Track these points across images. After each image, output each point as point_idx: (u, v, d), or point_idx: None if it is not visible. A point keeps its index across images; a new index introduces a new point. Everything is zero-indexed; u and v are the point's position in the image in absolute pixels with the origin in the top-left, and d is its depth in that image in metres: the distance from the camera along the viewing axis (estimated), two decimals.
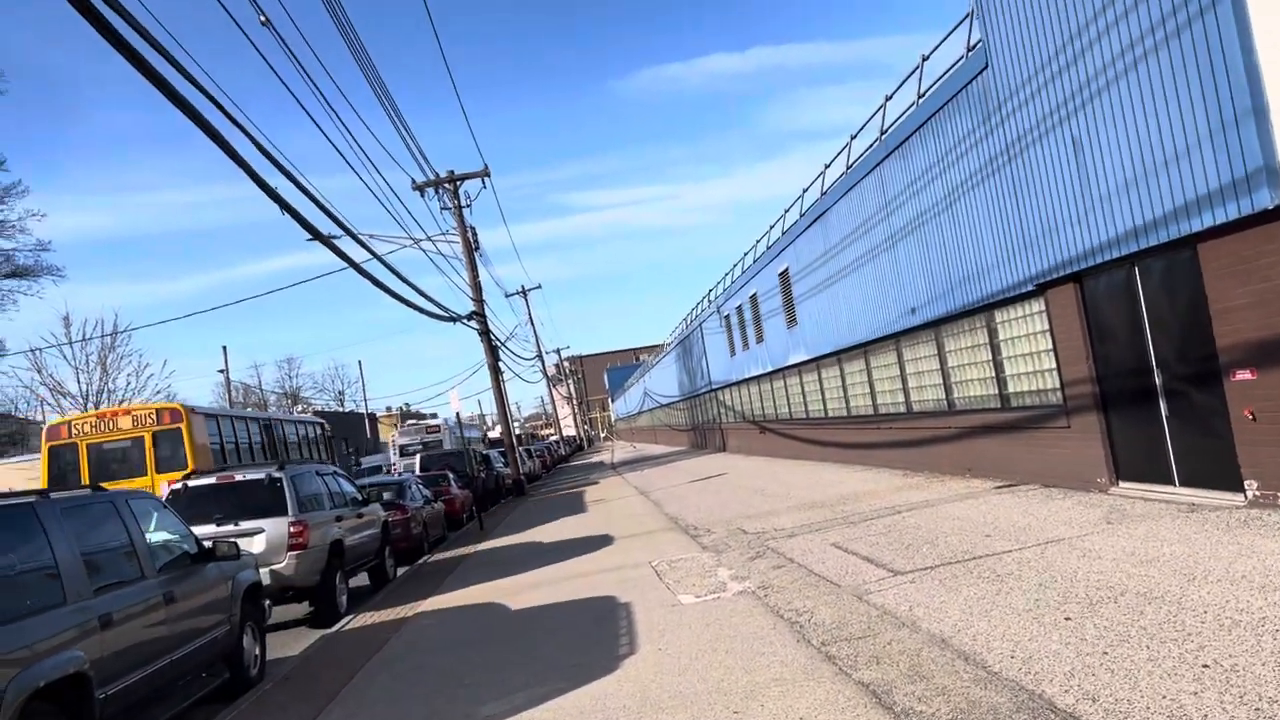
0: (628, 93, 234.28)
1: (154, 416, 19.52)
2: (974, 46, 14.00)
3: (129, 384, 37.57)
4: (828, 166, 22.32)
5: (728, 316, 35.47)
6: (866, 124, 19.26)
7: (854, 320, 20.65)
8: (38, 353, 38.27)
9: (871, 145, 18.63)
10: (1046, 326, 12.82)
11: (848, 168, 20.21)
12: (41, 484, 18.30)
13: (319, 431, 28.57)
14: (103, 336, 36.45)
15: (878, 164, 17.74)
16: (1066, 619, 6.62)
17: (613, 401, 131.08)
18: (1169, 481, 10.75)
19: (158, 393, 41.36)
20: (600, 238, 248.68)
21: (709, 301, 40.22)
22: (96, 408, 38.19)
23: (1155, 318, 10.48)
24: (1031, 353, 13.46)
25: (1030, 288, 12.85)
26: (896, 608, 7.85)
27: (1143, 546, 8.44)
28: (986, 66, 12.97)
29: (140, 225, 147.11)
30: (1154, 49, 9.51)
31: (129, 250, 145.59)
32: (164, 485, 17.63)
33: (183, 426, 19.28)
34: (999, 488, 13.93)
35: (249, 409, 76.71)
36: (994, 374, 14.66)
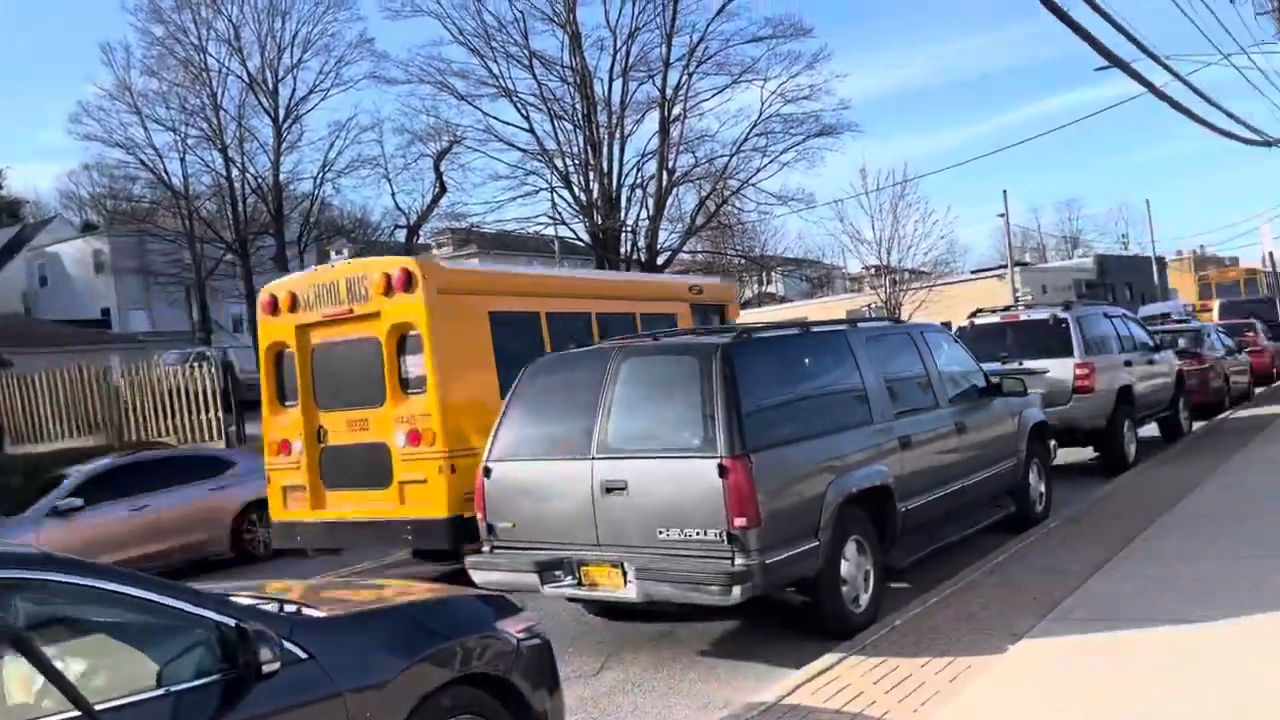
0: None
1: None
2: None
3: (915, 230, 39.88)
4: None
5: None
6: None
7: None
8: (839, 203, 42.56)
9: None
10: None
11: None
12: None
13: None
14: (893, 185, 39.09)
15: None
16: None
17: None
18: None
19: (940, 238, 43.15)
20: None
21: None
22: (888, 253, 41.45)
23: None
24: None
25: None
26: None
27: None
28: None
29: (923, 78, 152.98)
30: None
31: (914, 103, 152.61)
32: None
33: None
34: None
35: (1027, 255, 76.38)
36: None
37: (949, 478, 8.17)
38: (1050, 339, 12.49)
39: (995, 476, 9.00)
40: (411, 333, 8.48)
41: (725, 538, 5.82)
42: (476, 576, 6.62)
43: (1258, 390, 21.16)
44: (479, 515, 6.77)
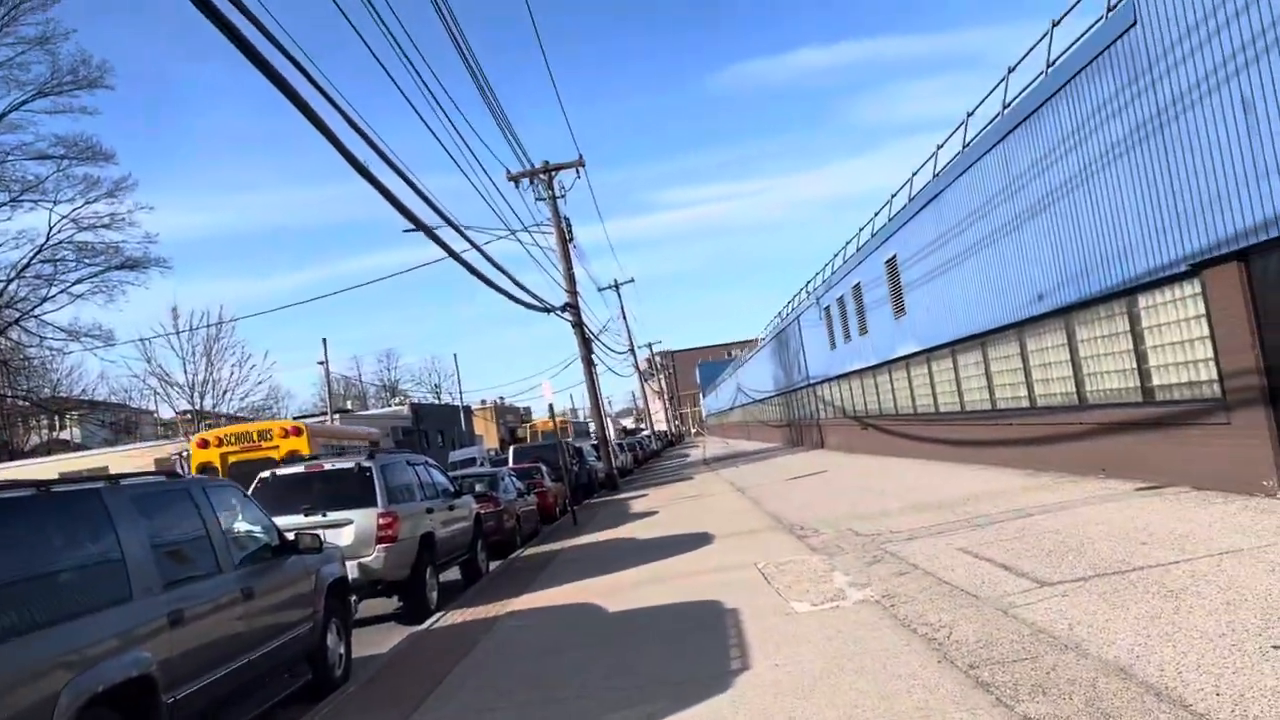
0: (716, 90, 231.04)
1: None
2: (1115, 5, 12.72)
3: (232, 374, 38.08)
4: (940, 147, 21.06)
5: (828, 308, 34.24)
6: (987, 98, 18.01)
7: (970, 309, 19.37)
8: (147, 343, 38.92)
9: (993, 120, 17.36)
10: (1202, 312, 11.51)
11: (964, 146, 18.94)
12: None
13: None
14: (208, 327, 37.06)
15: (1001, 139, 16.47)
16: (1275, 647, 5.53)
17: (704, 397, 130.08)
18: None
19: (259, 383, 41.94)
20: (689, 234, 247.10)
21: (807, 293, 39.00)
22: (202, 398, 38.98)
23: None
24: (1182, 341, 12.14)
25: (1183, 269, 11.55)
26: (1053, 626, 6.83)
27: None
28: (1135, 23, 11.70)
29: (243, 223, 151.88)
30: None
31: (233, 247, 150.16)
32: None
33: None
34: (1141, 489, 12.65)
35: (349, 403, 77.95)
36: (1135, 365, 13.33)
37: (234, 652, 7.20)
38: (355, 489, 12.22)
39: (290, 643, 8.22)
40: (293, 450, 18.22)
41: None
42: None
43: (544, 528, 23.45)
44: None
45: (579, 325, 35.41)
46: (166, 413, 50.68)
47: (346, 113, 12.31)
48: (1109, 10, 12.87)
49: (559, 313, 33.18)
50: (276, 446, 19.12)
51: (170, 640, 6.32)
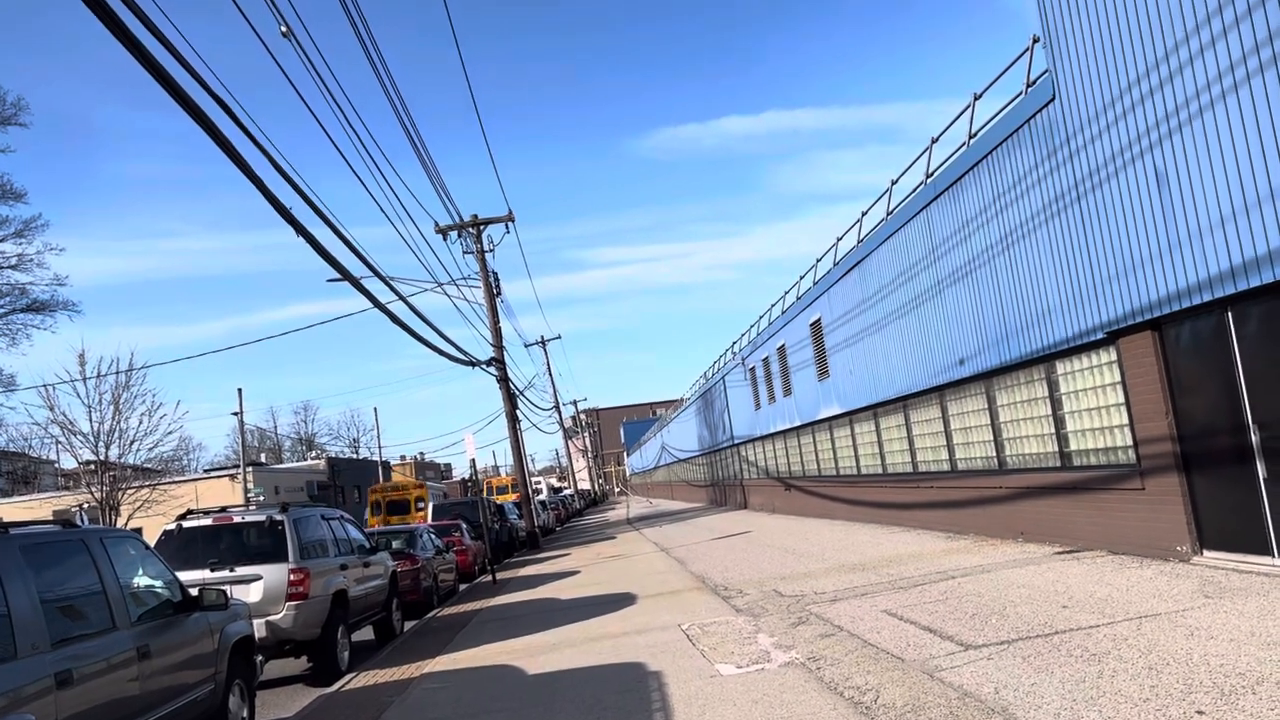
0: (643, 152, 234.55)
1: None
2: (1035, 81, 13.19)
3: (141, 424, 36.59)
4: (865, 214, 21.52)
5: (753, 369, 34.48)
6: (911, 166, 18.47)
7: (893, 372, 19.63)
8: (50, 389, 37.12)
9: (916, 189, 17.79)
10: (1118, 379, 11.79)
11: (888, 213, 19.36)
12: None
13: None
14: (117, 374, 35.65)
15: (924, 207, 16.86)
16: (1199, 713, 5.53)
17: (628, 455, 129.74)
18: (1266, 552, 9.63)
19: (169, 433, 40.49)
20: (616, 293, 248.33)
21: (733, 354, 39.28)
22: (108, 448, 37.34)
23: (1253, 369, 9.44)
24: (1099, 407, 12.41)
25: (1100, 336, 11.85)
26: (979, 689, 6.76)
27: (1262, 626, 7.32)
28: (1054, 98, 12.11)
29: (160, 269, 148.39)
30: (1260, 69, 8.61)
31: (148, 293, 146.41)
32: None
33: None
34: (1060, 553, 12.79)
35: (263, 455, 75.77)
36: (1053, 430, 13.59)
37: (127, 716, 6.75)
38: (266, 543, 11.74)
39: (189, 706, 7.76)
40: (419, 496, 36.18)
41: None
42: None
43: (462, 587, 22.87)
44: None
45: (504, 380, 35.04)
46: (69, 463, 48.56)
47: (272, 156, 12.06)
48: (1029, 85, 13.34)
49: (484, 367, 32.82)
50: (410, 493, 36.31)
51: (56, 702, 5.89)
